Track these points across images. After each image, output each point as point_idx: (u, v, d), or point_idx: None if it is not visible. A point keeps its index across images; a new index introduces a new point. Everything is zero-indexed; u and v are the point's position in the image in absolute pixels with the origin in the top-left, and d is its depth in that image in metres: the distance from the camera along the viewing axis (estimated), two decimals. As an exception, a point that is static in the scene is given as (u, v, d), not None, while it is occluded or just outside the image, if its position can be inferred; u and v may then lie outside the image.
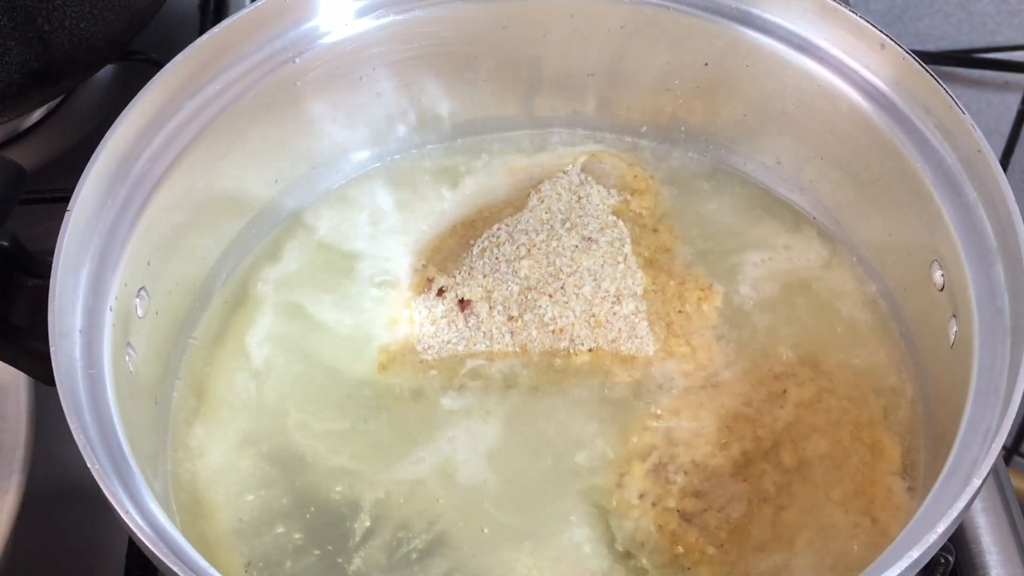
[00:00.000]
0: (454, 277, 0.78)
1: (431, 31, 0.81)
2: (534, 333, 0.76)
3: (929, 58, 0.74)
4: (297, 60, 0.77)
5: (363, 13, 0.79)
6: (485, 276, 0.78)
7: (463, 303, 0.77)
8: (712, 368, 0.75)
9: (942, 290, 0.70)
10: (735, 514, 0.69)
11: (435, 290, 0.78)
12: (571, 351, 0.75)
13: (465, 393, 0.75)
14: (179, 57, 0.72)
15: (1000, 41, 1.33)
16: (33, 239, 0.68)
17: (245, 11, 0.75)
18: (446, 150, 0.88)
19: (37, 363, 0.65)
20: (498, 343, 0.76)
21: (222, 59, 0.75)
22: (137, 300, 0.70)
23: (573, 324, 0.76)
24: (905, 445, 0.72)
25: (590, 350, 0.75)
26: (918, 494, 0.69)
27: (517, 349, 0.76)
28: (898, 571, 0.53)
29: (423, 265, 0.81)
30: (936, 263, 0.70)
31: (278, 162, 0.82)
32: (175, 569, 0.54)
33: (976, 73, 1.35)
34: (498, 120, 0.88)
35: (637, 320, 0.76)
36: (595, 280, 0.77)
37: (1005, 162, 1.40)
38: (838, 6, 0.74)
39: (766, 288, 0.79)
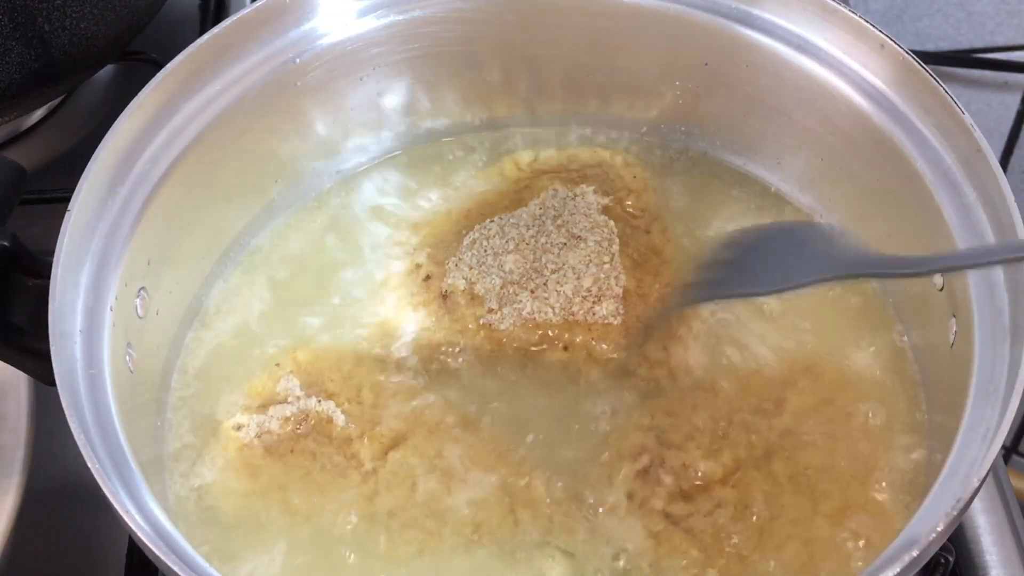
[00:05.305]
0: (443, 267, 0.78)
1: (431, 31, 0.81)
2: (510, 327, 0.76)
3: (929, 58, 0.74)
4: (297, 60, 0.77)
5: (363, 13, 0.79)
6: (471, 268, 0.78)
7: (445, 293, 0.77)
8: (702, 373, 0.74)
9: (942, 290, 0.70)
10: (721, 520, 0.68)
11: (422, 276, 0.78)
12: (546, 348, 0.75)
13: (437, 385, 0.75)
14: (179, 57, 0.72)
15: (1000, 41, 1.33)
16: (33, 239, 0.67)
17: (245, 11, 0.75)
18: (446, 149, 0.88)
19: (37, 363, 0.65)
20: (474, 335, 0.76)
21: (222, 59, 0.75)
22: (137, 300, 0.70)
23: (550, 320, 0.75)
24: (905, 446, 0.71)
25: (565, 348, 0.75)
26: (914, 503, 0.69)
27: (492, 343, 0.76)
28: (898, 570, 0.53)
29: (414, 249, 0.81)
30: (936, 263, 0.70)
31: (278, 161, 0.82)
32: (175, 569, 0.54)
33: (976, 73, 1.35)
34: (498, 119, 0.88)
35: (616, 321, 0.76)
36: (578, 278, 0.77)
37: (1005, 162, 1.40)
38: (838, 6, 0.74)
39: (764, 289, 0.79)
